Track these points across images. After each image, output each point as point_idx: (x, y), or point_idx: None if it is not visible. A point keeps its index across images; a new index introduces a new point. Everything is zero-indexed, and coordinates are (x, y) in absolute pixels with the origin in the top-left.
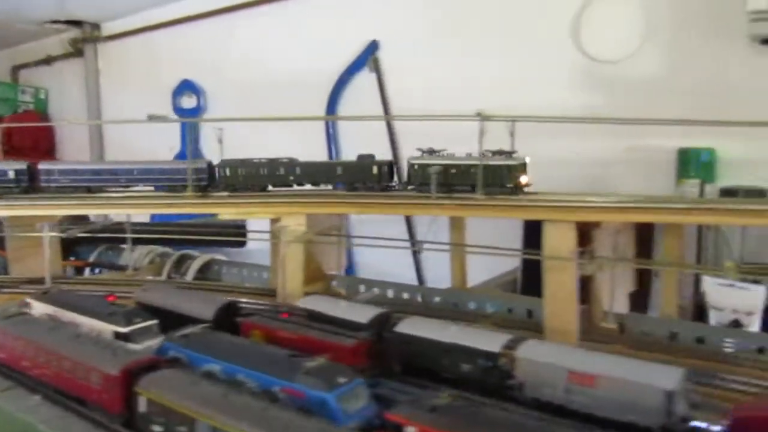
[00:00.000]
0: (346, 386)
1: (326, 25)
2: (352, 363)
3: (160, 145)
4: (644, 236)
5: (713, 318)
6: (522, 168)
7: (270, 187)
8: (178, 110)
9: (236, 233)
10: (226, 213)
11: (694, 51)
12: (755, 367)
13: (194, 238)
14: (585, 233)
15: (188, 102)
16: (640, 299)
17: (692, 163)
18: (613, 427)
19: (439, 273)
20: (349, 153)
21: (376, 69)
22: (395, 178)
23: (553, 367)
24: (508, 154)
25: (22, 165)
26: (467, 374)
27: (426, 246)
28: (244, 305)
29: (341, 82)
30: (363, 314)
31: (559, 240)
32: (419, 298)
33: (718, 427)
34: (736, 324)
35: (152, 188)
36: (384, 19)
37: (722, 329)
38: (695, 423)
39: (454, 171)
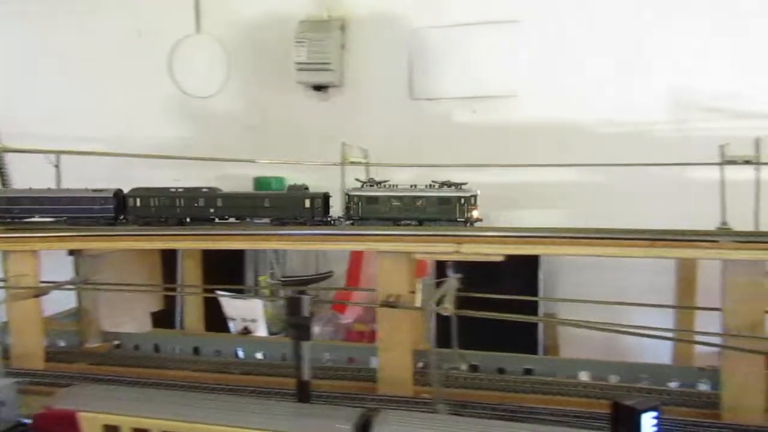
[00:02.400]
0: None
1: None
2: None
3: None
4: (170, 259)
5: (231, 327)
6: (474, 200)
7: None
8: None
9: None
10: None
11: (264, 92)
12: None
13: None
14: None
15: None
16: (167, 317)
17: (265, 190)
18: None
19: None
20: None
21: None
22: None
23: None
24: (457, 185)
25: None
26: None
27: None
28: None
29: None
30: None
31: (20, 268)
32: None
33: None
34: (246, 330)
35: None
36: None
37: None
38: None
39: (397, 203)
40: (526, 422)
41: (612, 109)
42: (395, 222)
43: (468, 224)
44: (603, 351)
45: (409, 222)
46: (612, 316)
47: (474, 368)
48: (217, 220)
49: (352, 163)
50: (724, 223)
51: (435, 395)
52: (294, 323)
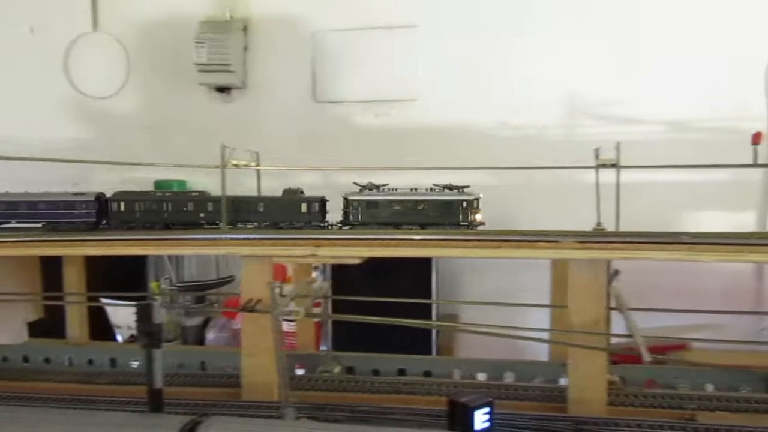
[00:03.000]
0: None
1: None
2: None
3: None
4: (52, 265)
5: (119, 335)
6: (476, 203)
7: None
8: None
9: None
10: None
11: (166, 93)
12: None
13: None
14: None
15: None
16: (49, 326)
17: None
18: None
19: None
20: None
21: None
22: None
23: None
24: (459, 188)
25: None
26: None
27: None
28: None
29: None
30: None
31: None
32: None
33: None
34: (134, 339)
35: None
36: None
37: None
38: None
39: (398, 207)
40: (374, 423)
41: (507, 112)
42: (396, 226)
43: (471, 227)
44: (501, 350)
45: (410, 226)
46: (510, 315)
47: (350, 370)
48: (206, 225)
49: (234, 165)
50: (599, 224)
51: (282, 399)
52: (144, 331)
